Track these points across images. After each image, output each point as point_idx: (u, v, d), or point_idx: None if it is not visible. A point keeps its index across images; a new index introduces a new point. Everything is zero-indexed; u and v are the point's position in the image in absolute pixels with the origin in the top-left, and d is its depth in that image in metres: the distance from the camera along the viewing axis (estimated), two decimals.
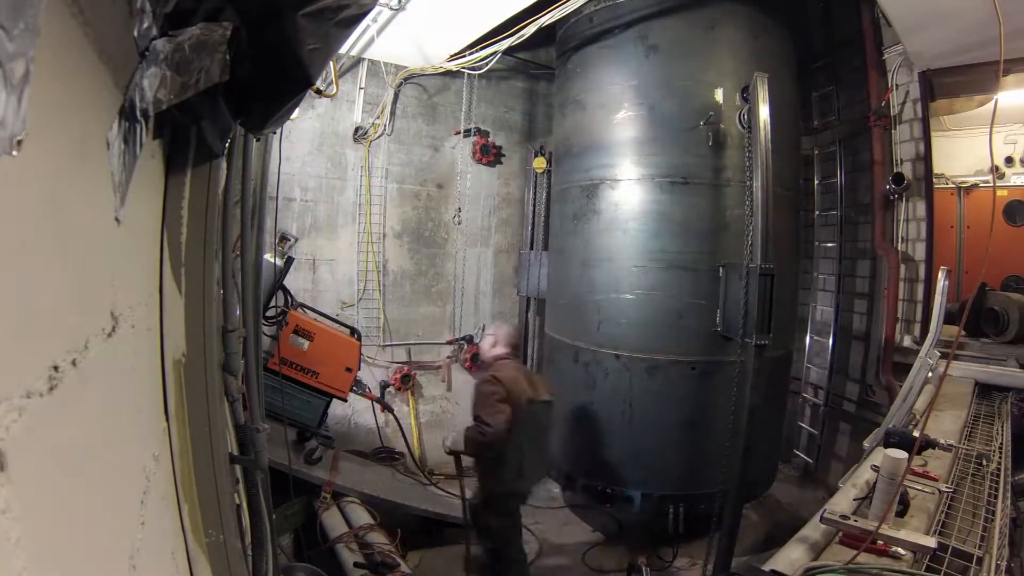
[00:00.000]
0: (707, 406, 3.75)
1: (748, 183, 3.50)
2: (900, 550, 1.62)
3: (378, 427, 5.12)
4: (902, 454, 1.87)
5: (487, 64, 4.23)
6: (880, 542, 1.64)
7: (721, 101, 3.78)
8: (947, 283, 3.37)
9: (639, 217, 3.91)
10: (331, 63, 3.93)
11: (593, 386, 4.06)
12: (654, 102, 3.90)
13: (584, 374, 4.11)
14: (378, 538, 3.39)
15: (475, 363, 5.51)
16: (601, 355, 4.00)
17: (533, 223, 5.53)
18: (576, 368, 4.17)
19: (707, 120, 3.74)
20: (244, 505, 1.87)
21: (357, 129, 4.97)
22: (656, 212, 3.86)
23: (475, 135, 5.38)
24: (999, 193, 5.59)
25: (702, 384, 3.79)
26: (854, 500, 2.05)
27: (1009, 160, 5.63)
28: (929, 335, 3.44)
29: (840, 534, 1.76)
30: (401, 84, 5.06)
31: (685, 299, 3.79)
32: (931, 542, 1.61)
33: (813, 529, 1.82)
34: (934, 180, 4.33)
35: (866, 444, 3.01)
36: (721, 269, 3.67)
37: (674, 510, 3.76)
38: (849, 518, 1.75)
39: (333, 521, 3.57)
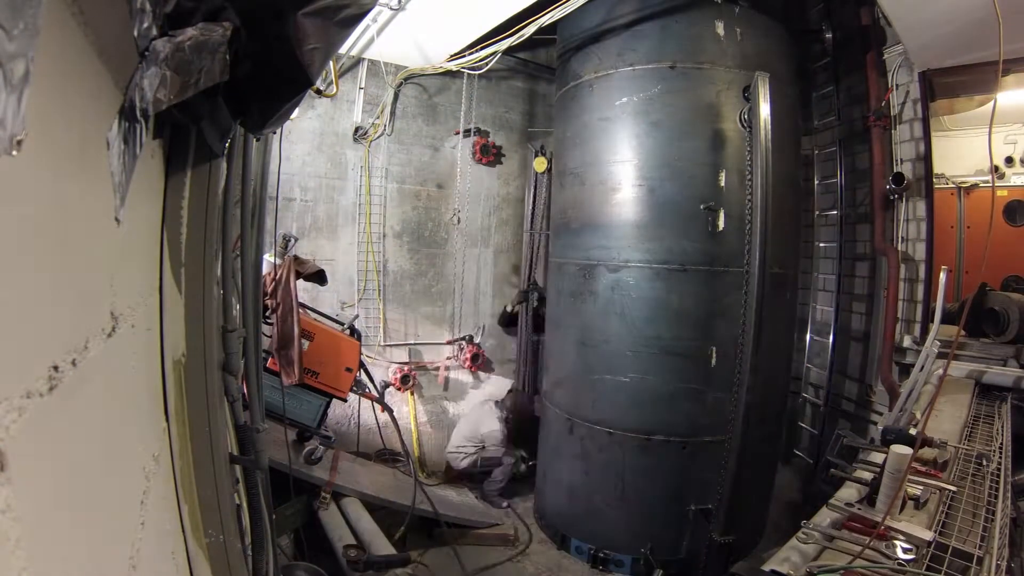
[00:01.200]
0: (696, 482, 3.84)
1: (745, 264, 3.58)
2: (900, 537, 1.65)
3: (378, 427, 5.12)
4: (907, 450, 1.90)
5: (487, 64, 4.23)
6: (882, 528, 1.67)
7: (724, 184, 3.74)
8: (946, 279, 3.41)
9: (636, 303, 3.90)
10: (331, 63, 3.93)
11: (587, 457, 4.13)
12: (654, 183, 3.84)
13: (579, 446, 4.17)
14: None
15: (475, 363, 5.51)
16: (596, 431, 4.05)
17: (533, 244, 5.53)
18: (571, 439, 4.23)
19: (708, 206, 3.71)
20: (244, 505, 1.87)
21: (357, 129, 4.97)
22: (653, 299, 3.86)
23: (475, 135, 5.38)
24: (999, 193, 5.59)
25: (692, 461, 3.86)
26: (857, 501, 2.06)
27: (1009, 160, 5.63)
28: (933, 327, 3.47)
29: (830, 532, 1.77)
30: (401, 84, 5.06)
31: (678, 383, 3.83)
32: (927, 535, 1.63)
33: (813, 529, 1.83)
34: (934, 180, 4.33)
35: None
36: (713, 351, 3.75)
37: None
38: (854, 506, 1.78)
39: (333, 521, 3.58)
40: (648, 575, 3.86)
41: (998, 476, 2.16)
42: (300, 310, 3.55)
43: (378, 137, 5.06)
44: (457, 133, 5.34)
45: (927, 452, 2.26)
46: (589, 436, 4.09)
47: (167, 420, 1.21)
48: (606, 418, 4.01)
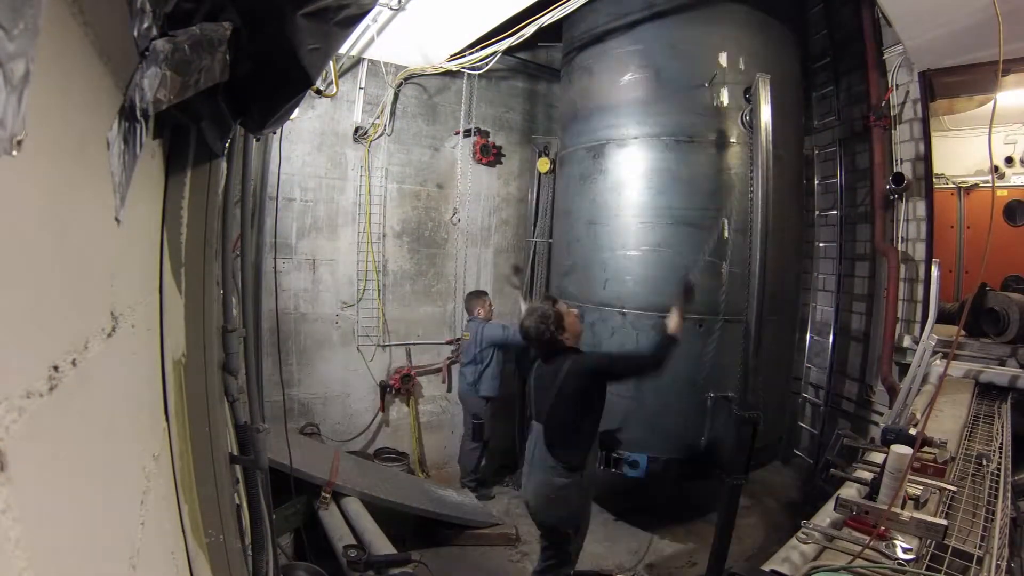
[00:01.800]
0: (714, 366, 3.76)
1: (751, 172, 3.51)
2: (900, 538, 1.66)
3: (379, 427, 5.13)
4: (907, 449, 1.92)
5: (487, 64, 4.23)
6: (883, 527, 1.68)
7: (725, 65, 3.84)
8: (939, 273, 3.42)
9: (645, 175, 3.94)
10: (331, 63, 3.93)
11: (598, 346, 4.05)
12: (660, 65, 3.96)
13: (589, 333, 4.07)
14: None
15: None
16: (607, 313, 4.03)
17: (535, 246, 5.54)
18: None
19: (711, 80, 3.79)
20: (244, 505, 1.87)
21: (357, 129, 4.96)
22: (662, 170, 3.90)
23: (475, 135, 5.38)
24: (999, 193, 5.59)
25: (707, 341, 3.79)
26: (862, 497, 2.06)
27: (1009, 160, 5.63)
28: (929, 320, 3.47)
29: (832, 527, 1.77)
30: (401, 84, 5.05)
31: (691, 255, 3.77)
32: (941, 521, 1.65)
33: (813, 529, 1.83)
34: (934, 180, 4.33)
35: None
36: (724, 222, 3.71)
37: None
38: (860, 504, 1.80)
39: (333, 521, 3.58)
40: (665, 473, 3.74)
41: (998, 476, 2.16)
42: None
43: (378, 137, 5.06)
44: (457, 133, 5.34)
45: (927, 452, 2.26)
46: (600, 320, 4.06)
47: (167, 420, 1.21)
48: (618, 297, 3.99)
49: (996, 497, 1.97)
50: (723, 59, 3.84)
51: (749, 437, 3.27)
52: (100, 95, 0.74)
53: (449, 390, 5.53)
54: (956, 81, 4.11)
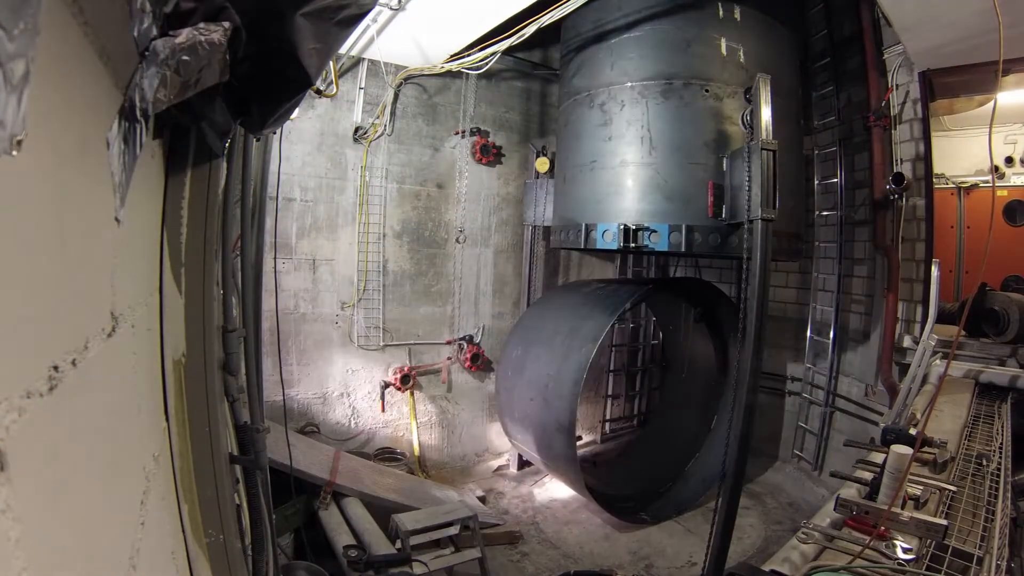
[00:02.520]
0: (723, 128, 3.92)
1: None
2: (900, 538, 1.66)
3: (379, 428, 5.13)
4: (907, 449, 1.92)
5: (487, 64, 4.23)
6: (883, 527, 1.68)
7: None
8: (939, 273, 3.42)
9: None
10: (331, 63, 3.92)
11: (609, 123, 4.21)
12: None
13: (600, 114, 4.27)
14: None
15: (475, 363, 5.51)
16: (614, 90, 4.21)
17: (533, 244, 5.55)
18: (591, 113, 4.36)
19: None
20: (244, 505, 1.87)
21: (357, 129, 4.96)
22: None
23: (475, 135, 5.38)
24: (999, 193, 5.60)
25: (719, 102, 3.91)
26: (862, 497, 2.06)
27: (1009, 160, 5.63)
28: (929, 319, 3.46)
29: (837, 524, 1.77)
30: (401, 84, 5.05)
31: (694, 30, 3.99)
32: (941, 521, 1.65)
33: (813, 529, 1.83)
34: (934, 180, 4.33)
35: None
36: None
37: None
38: (860, 504, 1.80)
39: (333, 521, 3.58)
40: (689, 243, 3.75)
41: (998, 476, 2.16)
42: None
43: (378, 137, 5.06)
44: (457, 133, 5.34)
45: (927, 452, 2.26)
46: (609, 98, 4.21)
47: (167, 420, 1.21)
48: (625, 72, 4.15)
49: (996, 497, 1.97)
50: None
51: None
52: (100, 95, 0.74)
53: (449, 390, 5.53)
54: (956, 81, 4.11)
